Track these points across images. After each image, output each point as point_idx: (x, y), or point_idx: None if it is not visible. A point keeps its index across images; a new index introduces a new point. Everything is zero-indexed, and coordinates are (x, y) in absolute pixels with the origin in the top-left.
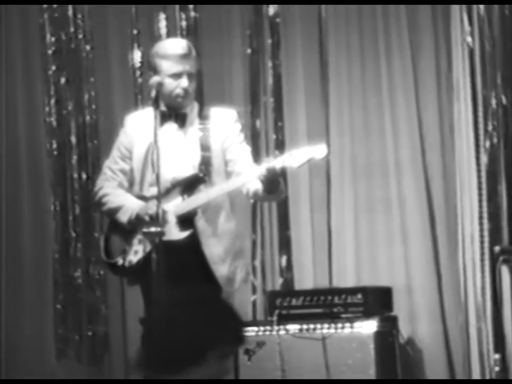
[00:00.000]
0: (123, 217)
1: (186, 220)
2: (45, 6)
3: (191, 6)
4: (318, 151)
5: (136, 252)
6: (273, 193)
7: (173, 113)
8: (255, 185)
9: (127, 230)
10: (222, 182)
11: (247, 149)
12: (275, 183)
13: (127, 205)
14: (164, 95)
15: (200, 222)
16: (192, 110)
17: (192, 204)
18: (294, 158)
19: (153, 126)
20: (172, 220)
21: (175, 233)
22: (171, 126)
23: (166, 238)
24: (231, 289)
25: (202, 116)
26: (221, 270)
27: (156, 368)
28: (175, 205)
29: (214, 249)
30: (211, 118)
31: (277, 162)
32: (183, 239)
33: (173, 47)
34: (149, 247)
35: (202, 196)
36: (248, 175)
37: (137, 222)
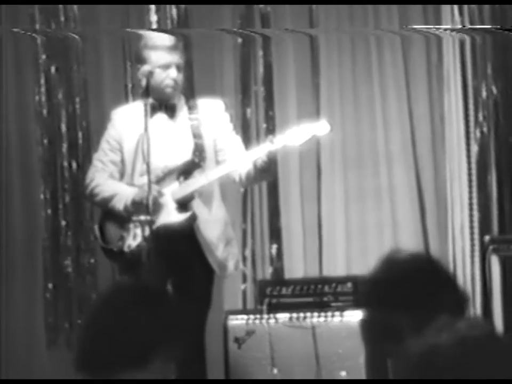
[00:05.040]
0: (119, 204)
1: (184, 205)
2: None
3: None
4: (320, 127)
5: (135, 235)
6: (267, 172)
7: (162, 104)
8: (246, 168)
9: (121, 217)
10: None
11: (237, 138)
12: (272, 164)
13: (122, 192)
14: (153, 86)
15: (196, 207)
16: (180, 101)
17: (191, 186)
18: (295, 137)
19: (143, 115)
20: (170, 203)
21: (175, 215)
22: (161, 117)
23: (165, 221)
24: (224, 274)
25: (190, 107)
26: (214, 254)
27: (91, 365)
28: (173, 190)
29: (208, 234)
30: (199, 108)
31: (278, 144)
32: (182, 221)
33: (161, 39)
34: (147, 230)
35: (201, 179)
36: (248, 156)
37: (133, 208)
